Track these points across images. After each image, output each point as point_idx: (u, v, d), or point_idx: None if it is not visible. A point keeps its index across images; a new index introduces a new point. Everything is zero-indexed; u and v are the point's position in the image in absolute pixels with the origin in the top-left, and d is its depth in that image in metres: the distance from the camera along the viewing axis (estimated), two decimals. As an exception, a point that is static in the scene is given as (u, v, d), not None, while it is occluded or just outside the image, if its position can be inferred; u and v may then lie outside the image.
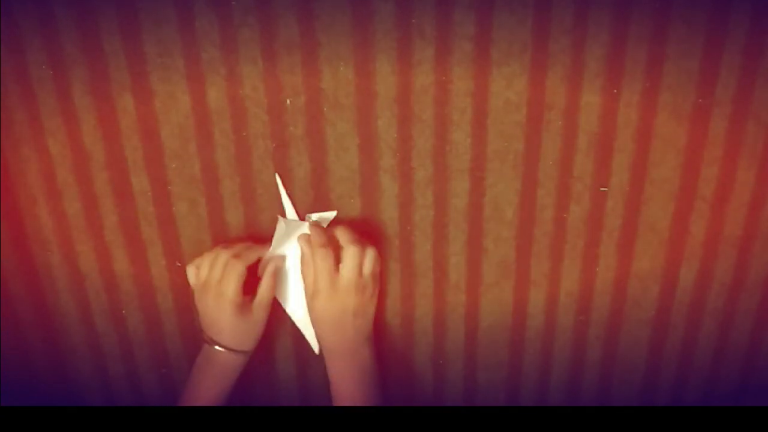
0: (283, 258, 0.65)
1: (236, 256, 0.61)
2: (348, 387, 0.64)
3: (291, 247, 0.65)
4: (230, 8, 0.56)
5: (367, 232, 0.65)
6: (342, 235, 0.62)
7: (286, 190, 0.63)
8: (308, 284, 0.62)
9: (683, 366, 0.71)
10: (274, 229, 0.65)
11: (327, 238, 0.62)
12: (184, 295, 0.69)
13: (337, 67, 0.58)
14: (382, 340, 0.70)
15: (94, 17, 0.56)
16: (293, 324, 0.69)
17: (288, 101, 0.59)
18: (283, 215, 0.64)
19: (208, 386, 0.64)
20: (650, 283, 0.66)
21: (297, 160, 0.62)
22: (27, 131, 0.62)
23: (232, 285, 0.61)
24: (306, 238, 0.63)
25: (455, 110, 0.59)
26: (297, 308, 0.67)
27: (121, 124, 0.61)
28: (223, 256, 0.61)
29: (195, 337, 0.71)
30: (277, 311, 0.67)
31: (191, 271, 0.64)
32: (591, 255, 0.65)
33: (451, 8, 0.55)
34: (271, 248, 0.64)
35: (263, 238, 0.66)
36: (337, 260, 0.61)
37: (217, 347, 0.63)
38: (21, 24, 0.57)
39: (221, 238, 0.66)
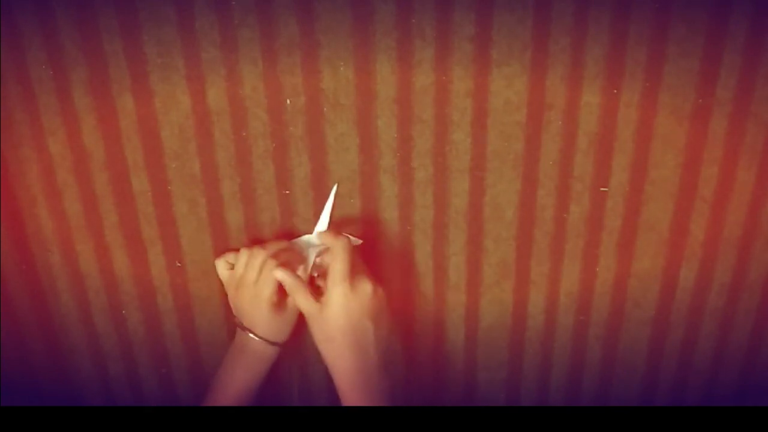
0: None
1: (274, 257, 0.61)
2: None
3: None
4: (230, 8, 0.56)
5: (367, 232, 0.65)
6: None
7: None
8: (306, 297, 0.59)
9: (683, 366, 0.71)
10: (274, 229, 0.65)
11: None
12: (184, 295, 0.69)
13: (337, 67, 0.58)
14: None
15: (94, 17, 0.56)
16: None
17: (288, 101, 0.59)
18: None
19: (241, 376, 0.63)
20: (650, 283, 0.66)
21: (297, 160, 0.62)
22: (27, 131, 0.62)
23: (269, 287, 0.60)
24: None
25: (455, 110, 0.59)
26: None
27: (121, 124, 0.61)
28: (260, 256, 0.61)
29: (195, 337, 0.71)
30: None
31: (221, 265, 0.64)
32: (591, 255, 0.65)
33: (451, 8, 0.55)
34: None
35: (262, 238, 0.66)
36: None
37: (250, 335, 0.63)
38: (21, 24, 0.57)
39: (221, 238, 0.66)
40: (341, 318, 0.58)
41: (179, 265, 0.68)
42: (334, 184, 0.63)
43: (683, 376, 0.71)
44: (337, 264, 0.58)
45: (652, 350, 0.70)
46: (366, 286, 0.59)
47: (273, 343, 0.63)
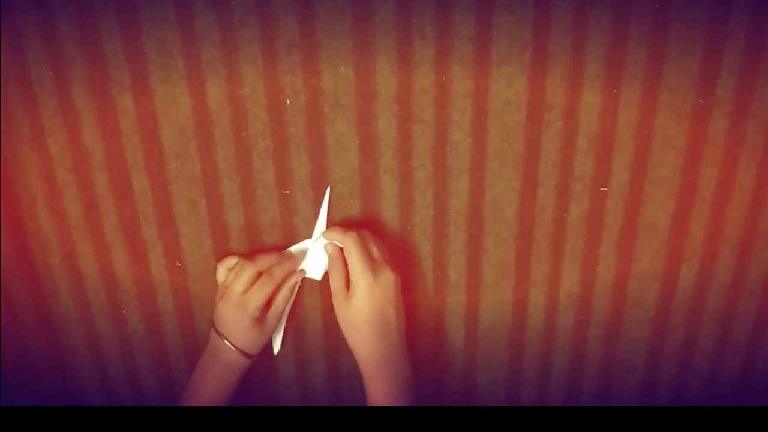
0: (303, 272, 0.65)
1: (268, 274, 0.62)
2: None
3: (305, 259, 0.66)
4: (230, 8, 0.56)
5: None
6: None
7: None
8: (338, 283, 0.61)
9: (683, 366, 0.71)
10: (274, 229, 0.65)
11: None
12: (184, 295, 0.69)
13: (337, 67, 0.58)
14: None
15: (94, 17, 0.56)
16: (293, 324, 0.69)
17: (288, 101, 0.59)
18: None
19: (212, 382, 0.64)
20: (650, 283, 0.66)
21: (297, 160, 0.62)
22: (27, 131, 0.62)
23: (256, 301, 0.62)
24: (329, 243, 0.62)
25: (455, 110, 0.59)
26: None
27: (121, 124, 0.61)
28: (249, 269, 0.62)
29: (195, 337, 0.71)
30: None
31: (221, 271, 0.65)
32: (591, 255, 0.65)
33: (451, 8, 0.55)
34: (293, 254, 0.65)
35: (262, 238, 0.66)
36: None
37: (225, 342, 0.63)
38: (21, 24, 0.57)
39: (221, 238, 0.66)
40: (366, 309, 0.59)
41: (179, 265, 0.68)
42: (333, 185, 0.63)
43: (683, 376, 0.71)
44: (354, 258, 0.59)
45: (652, 350, 0.70)
46: (387, 276, 0.60)
47: (245, 354, 0.64)
